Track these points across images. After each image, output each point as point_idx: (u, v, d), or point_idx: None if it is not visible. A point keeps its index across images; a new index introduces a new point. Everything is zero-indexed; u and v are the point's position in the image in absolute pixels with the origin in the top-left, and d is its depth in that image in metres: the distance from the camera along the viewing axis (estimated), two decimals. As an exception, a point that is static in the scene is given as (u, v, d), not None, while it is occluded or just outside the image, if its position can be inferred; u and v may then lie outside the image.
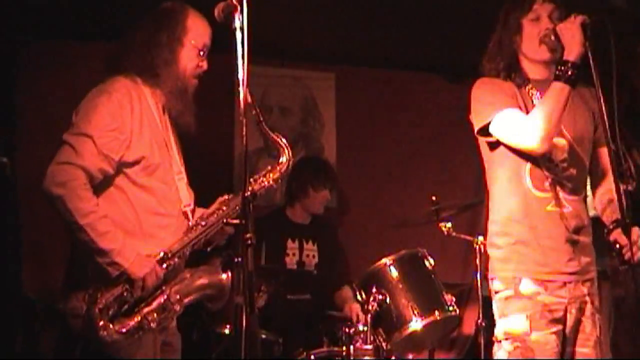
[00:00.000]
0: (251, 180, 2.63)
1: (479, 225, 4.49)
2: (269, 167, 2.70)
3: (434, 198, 3.74)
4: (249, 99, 2.14)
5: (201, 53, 2.66)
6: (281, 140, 2.65)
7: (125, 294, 2.47)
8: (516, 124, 2.47)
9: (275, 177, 2.68)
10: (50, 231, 3.44)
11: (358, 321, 3.40)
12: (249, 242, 2.06)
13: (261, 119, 2.45)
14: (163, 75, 2.62)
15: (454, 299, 3.28)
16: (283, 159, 2.68)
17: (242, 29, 2.11)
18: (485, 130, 2.55)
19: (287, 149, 2.66)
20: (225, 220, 2.62)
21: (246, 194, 2.11)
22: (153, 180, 2.60)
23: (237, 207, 2.59)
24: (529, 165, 2.52)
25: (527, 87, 2.56)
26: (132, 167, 2.57)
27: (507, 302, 2.53)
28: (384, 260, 3.29)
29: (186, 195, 2.67)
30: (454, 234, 3.66)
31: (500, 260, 2.57)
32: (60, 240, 2.64)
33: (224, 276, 2.60)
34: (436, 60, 4.53)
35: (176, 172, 2.65)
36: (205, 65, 2.69)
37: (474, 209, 4.15)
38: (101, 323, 2.43)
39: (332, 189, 4.09)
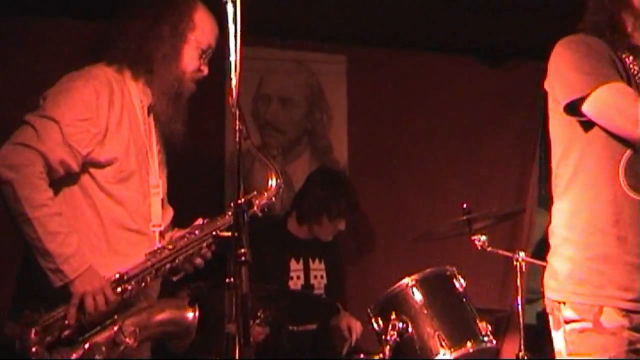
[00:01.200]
0: (224, 216, 2.65)
1: (520, 239, 4.55)
2: (255, 193, 2.71)
3: (465, 206, 3.73)
4: (237, 116, 2.14)
5: (204, 55, 2.69)
6: (270, 162, 2.68)
7: (67, 316, 2.47)
8: (628, 103, 2.23)
9: (262, 204, 2.69)
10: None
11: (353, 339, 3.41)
12: (243, 258, 2.06)
13: (247, 135, 2.45)
14: (159, 72, 2.64)
15: (489, 328, 3.27)
16: (272, 183, 2.69)
17: (234, 2, 2.11)
18: (571, 106, 2.31)
19: (277, 173, 2.69)
20: (214, 233, 2.61)
21: (240, 201, 2.11)
22: (125, 189, 2.61)
23: (214, 232, 2.61)
24: (627, 157, 2.28)
25: (624, 56, 2.34)
26: (102, 169, 2.58)
27: (583, 336, 2.30)
28: (405, 281, 3.29)
29: (157, 213, 2.69)
30: (489, 249, 3.64)
31: (572, 279, 2.32)
32: (10, 243, 2.61)
33: (190, 314, 2.59)
34: (470, 40, 4.49)
35: (153, 184, 2.68)
36: (206, 70, 2.71)
37: (513, 220, 4.15)
38: (34, 349, 2.42)
39: (349, 217, 4.07)
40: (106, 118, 2.55)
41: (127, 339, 2.51)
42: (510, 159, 4.76)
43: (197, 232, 2.66)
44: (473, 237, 3.66)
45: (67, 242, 2.45)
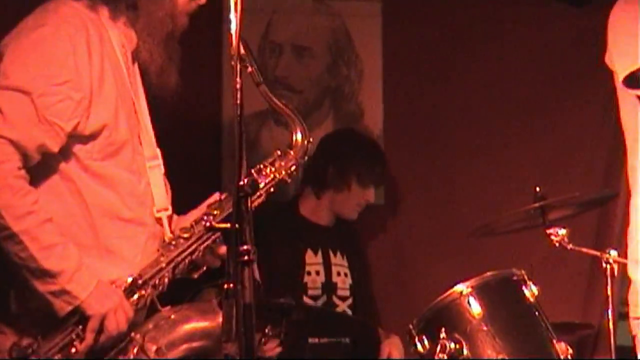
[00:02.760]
0: (252, 171, 2.69)
1: (611, 234, 4.51)
2: (278, 152, 2.75)
3: (538, 189, 3.69)
4: (242, 50, 2.18)
5: None
6: (292, 111, 2.72)
7: (75, 342, 2.49)
8: None
9: (289, 166, 2.74)
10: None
11: None
12: (246, 257, 2.07)
13: (260, 79, 2.45)
14: (145, 8, 2.65)
15: (570, 350, 3.25)
16: (297, 137, 2.75)
17: None
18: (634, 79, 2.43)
19: (303, 125, 2.75)
20: (209, 224, 2.61)
21: (241, 182, 2.12)
22: (114, 166, 2.62)
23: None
24: None
25: None
26: (86, 143, 2.57)
27: None
28: (458, 288, 3.27)
29: (161, 194, 2.74)
30: (570, 246, 3.60)
31: None
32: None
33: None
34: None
35: (149, 156, 2.71)
36: None
37: (602, 208, 4.10)
38: None
39: (379, 187, 4.25)
40: (89, 76, 2.54)
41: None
42: (597, 130, 4.73)
43: (216, 212, 2.68)
44: (548, 231, 3.61)
45: (67, 255, 2.49)
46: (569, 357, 3.24)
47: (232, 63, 2.16)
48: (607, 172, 4.70)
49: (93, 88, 2.55)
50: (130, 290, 2.57)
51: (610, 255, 3.52)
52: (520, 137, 4.71)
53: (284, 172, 2.74)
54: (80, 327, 2.50)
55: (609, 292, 3.49)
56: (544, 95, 4.73)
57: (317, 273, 4.08)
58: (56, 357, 2.48)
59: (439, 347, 3.18)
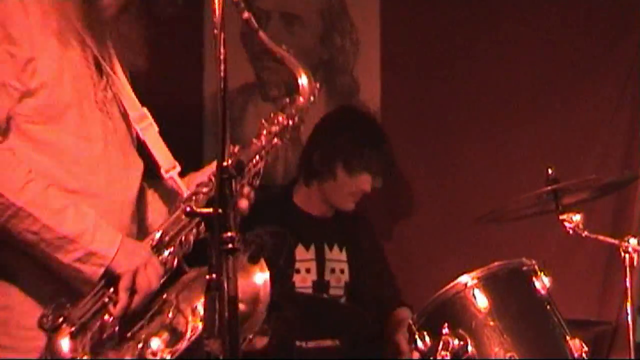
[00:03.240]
0: (263, 121, 2.80)
1: (630, 220, 4.52)
2: (287, 100, 2.84)
3: (550, 171, 3.70)
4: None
5: None
6: (294, 57, 2.78)
7: (109, 305, 2.52)
8: None
9: (301, 111, 2.81)
10: None
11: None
12: (231, 246, 2.08)
13: (255, 25, 2.53)
14: None
15: (585, 348, 3.26)
16: (303, 81, 2.82)
17: None
18: None
19: (305, 67, 2.80)
20: (188, 209, 2.60)
21: (225, 163, 2.13)
22: (58, 131, 2.62)
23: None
24: None
25: None
26: (25, 104, 2.58)
27: None
28: (463, 280, 3.28)
29: (164, 153, 2.78)
30: (585, 233, 3.62)
31: None
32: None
33: (258, 276, 2.62)
34: None
35: (136, 118, 2.77)
36: None
37: (621, 192, 4.10)
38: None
39: (378, 173, 4.11)
40: (27, 30, 2.56)
41: (191, 322, 2.57)
42: (614, 110, 4.75)
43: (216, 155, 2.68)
44: (562, 217, 3.64)
45: (82, 214, 2.53)
46: (584, 355, 3.25)
47: (215, 31, 2.16)
48: (626, 154, 4.71)
49: (34, 44, 2.58)
50: (157, 248, 2.60)
51: (629, 243, 3.52)
52: (531, 116, 4.72)
53: (297, 118, 2.80)
54: (112, 289, 2.53)
55: (628, 284, 3.50)
56: (557, 74, 4.74)
57: (308, 271, 4.07)
58: (90, 324, 2.50)
59: (441, 344, 3.19)
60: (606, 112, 4.73)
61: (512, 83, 4.72)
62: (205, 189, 2.69)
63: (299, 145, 4.34)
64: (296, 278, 4.04)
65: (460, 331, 3.21)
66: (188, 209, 2.62)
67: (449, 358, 3.18)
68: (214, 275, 2.10)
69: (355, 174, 4.04)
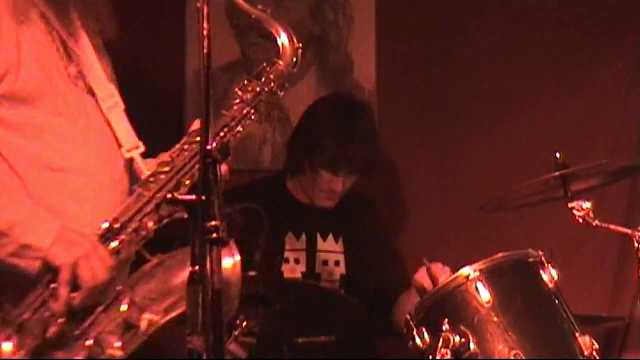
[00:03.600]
0: (236, 89, 2.80)
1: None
2: (264, 64, 2.82)
3: (558, 156, 3.70)
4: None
5: None
6: (272, 17, 2.80)
7: (51, 302, 2.51)
8: None
9: (279, 77, 2.80)
10: None
11: None
12: (216, 235, 2.08)
13: None
14: None
15: (595, 345, 3.26)
16: (283, 41, 2.82)
17: None
18: None
19: (286, 26, 2.81)
20: (169, 196, 2.61)
21: (209, 146, 2.12)
22: (34, 111, 2.64)
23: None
24: None
25: None
26: None
27: None
28: (464, 272, 3.28)
29: (128, 132, 2.82)
30: (596, 222, 3.62)
31: None
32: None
33: (229, 260, 2.60)
34: None
35: (103, 96, 2.79)
36: None
37: (634, 178, 4.10)
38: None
39: (350, 172, 4.05)
40: None
41: (146, 314, 2.55)
42: (627, 91, 4.76)
43: (197, 139, 2.68)
44: (571, 205, 3.64)
45: (14, 206, 2.53)
46: (595, 353, 3.25)
47: (198, 5, 2.16)
48: (640, 138, 4.73)
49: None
50: (106, 237, 2.58)
51: (643, 234, 3.55)
52: (538, 98, 4.72)
53: (273, 84, 2.78)
54: (55, 284, 2.51)
55: (642, 279, 3.54)
56: (565, 53, 4.75)
57: (297, 261, 4.08)
58: (31, 321, 2.49)
59: (441, 342, 3.18)
60: (618, 92, 4.74)
61: (518, 64, 4.74)
62: (166, 169, 2.68)
63: (289, 128, 4.34)
64: (284, 268, 4.05)
65: (462, 327, 3.20)
66: (169, 196, 2.63)
67: (449, 357, 3.18)
68: (197, 267, 2.10)
69: (319, 172, 4.02)
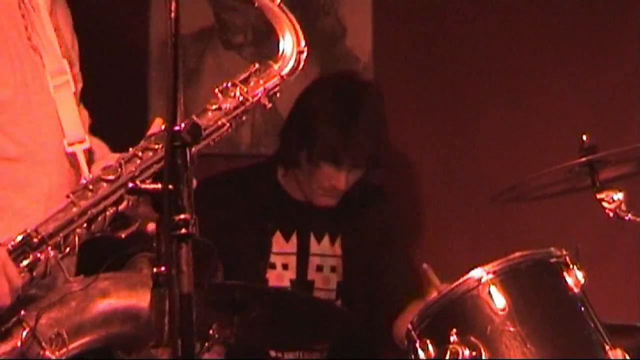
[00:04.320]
0: (216, 91, 2.72)
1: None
2: (256, 65, 2.77)
3: (585, 138, 3.70)
4: None
5: None
6: (278, 8, 2.76)
7: None
8: None
9: (270, 86, 2.75)
10: None
11: None
12: (184, 231, 2.08)
13: None
14: None
15: (628, 358, 3.26)
16: (286, 43, 2.78)
17: None
18: None
19: (294, 21, 2.80)
20: (131, 185, 2.61)
21: (177, 126, 2.12)
22: None
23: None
24: None
25: None
26: None
27: None
28: (476, 274, 3.28)
29: (74, 120, 2.79)
30: (629, 216, 3.63)
31: None
32: None
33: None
34: None
35: (53, 70, 2.77)
36: None
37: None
38: None
39: (354, 166, 4.05)
40: None
41: (47, 350, 2.53)
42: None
43: (157, 146, 2.67)
44: (599, 196, 3.65)
45: None
46: (627, 367, 3.29)
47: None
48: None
49: None
50: (19, 252, 2.55)
51: (685, 229, 3.57)
52: (559, 72, 4.76)
53: (260, 94, 2.73)
54: None
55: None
56: (592, 24, 4.79)
57: (285, 267, 4.10)
58: None
59: (448, 355, 3.19)
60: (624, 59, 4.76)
61: (535, 34, 4.78)
62: (110, 176, 2.64)
63: (277, 112, 4.32)
64: (270, 275, 4.07)
65: (472, 339, 3.21)
66: (131, 184, 2.63)
67: (458, 370, 3.22)
68: (162, 268, 2.10)
69: (318, 166, 4.01)
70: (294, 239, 4.10)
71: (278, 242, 4.08)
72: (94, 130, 2.90)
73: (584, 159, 3.67)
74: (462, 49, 4.71)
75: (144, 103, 4.33)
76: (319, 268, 4.12)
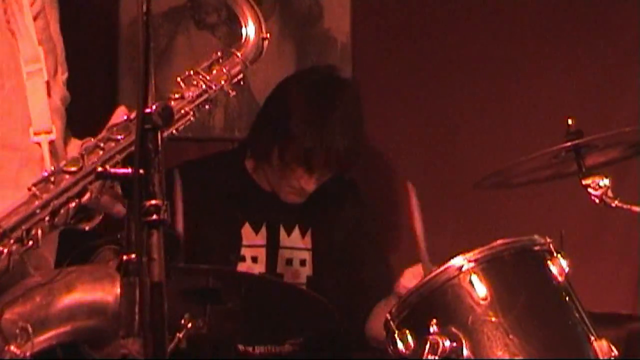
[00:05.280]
0: (179, 80, 2.72)
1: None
2: (218, 54, 2.79)
3: (570, 122, 3.72)
4: None
5: None
6: None
7: None
8: None
9: (232, 74, 2.76)
10: None
11: None
12: (155, 217, 2.09)
13: None
14: None
15: (614, 351, 3.28)
16: (249, 30, 2.80)
17: None
18: None
19: (255, 8, 2.79)
20: (100, 169, 2.61)
21: (149, 108, 2.13)
22: None
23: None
24: None
25: None
26: None
27: None
28: (456, 262, 3.29)
29: (43, 110, 2.79)
30: (615, 203, 3.64)
31: None
32: None
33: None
34: None
35: (27, 57, 2.79)
36: None
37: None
38: None
39: (326, 168, 4.05)
40: None
41: (12, 345, 2.52)
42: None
43: (119, 136, 2.66)
44: (585, 182, 3.66)
45: None
46: (612, 357, 3.27)
47: None
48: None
49: None
50: None
51: (673, 217, 3.58)
52: (544, 55, 4.78)
53: (223, 81, 2.73)
54: None
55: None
56: (574, 5, 4.80)
57: (255, 260, 4.10)
58: None
59: (427, 346, 3.20)
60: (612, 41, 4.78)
61: (523, 15, 4.79)
62: (72, 168, 2.62)
63: (244, 89, 4.33)
64: (240, 268, 4.05)
65: (453, 329, 3.22)
66: (100, 169, 2.63)
67: (437, 365, 3.22)
68: (132, 256, 2.10)
69: (290, 166, 4.02)
70: (263, 231, 4.11)
71: (247, 234, 4.09)
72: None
73: (569, 143, 3.67)
74: (444, 30, 4.72)
75: (114, 85, 4.32)
76: (288, 262, 4.13)
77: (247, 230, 4.10)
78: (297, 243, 4.16)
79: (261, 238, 4.12)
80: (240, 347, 3.95)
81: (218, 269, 3.59)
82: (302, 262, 4.16)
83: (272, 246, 4.12)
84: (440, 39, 4.71)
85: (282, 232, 4.14)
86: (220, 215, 4.06)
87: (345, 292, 4.14)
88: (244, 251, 4.09)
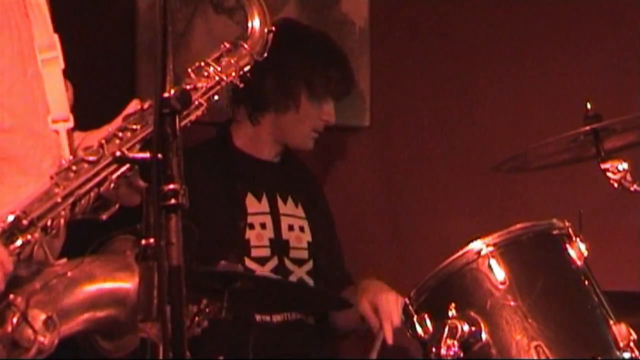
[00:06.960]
0: (189, 71, 2.72)
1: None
2: (227, 45, 2.79)
3: (589, 106, 3.70)
4: None
5: None
6: None
7: None
8: None
9: (241, 65, 2.77)
10: None
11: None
12: (173, 201, 2.09)
13: None
14: None
15: (634, 335, 3.27)
16: (254, 24, 2.80)
17: None
18: None
19: (262, 7, 2.79)
20: (119, 153, 2.61)
21: (167, 93, 2.13)
22: None
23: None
24: None
25: None
26: None
27: None
28: (475, 247, 3.30)
29: (60, 99, 2.78)
30: (634, 187, 3.62)
31: None
32: None
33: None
34: None
35: (42, 45, 2.78)
36: None
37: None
38: None
39: (340, 98, 4.20)
40: None
41: (40, 335, 2.52)
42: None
43: (135, 126, 2.68)
44: (604, 166, 3.64)
45: None
46: (632, 344, 3.26)
47: None
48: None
49: None
50: (9, 234, 2.54)
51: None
52: (564, 39, 4.76)
53: (233, 73, 2.75)
54: None
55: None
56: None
57: (263, 226, 4.13)
58: None
59: (446, 330, 3.20)
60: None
61: (541, 1, 4.76)
62: (92, 158, 2.64)
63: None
64: (250, 235, 4.09)
65: (472, 313, 3.23)
66: (118, 153, 2.64)
67: (456, 349, 3.19)
68: (151, 240, 2.10)
69: (321, 100, 4.14)
70: (264, 199, 4.16)
71: (251, 203, 4.14)
72: (81, 97, 2.88)
73: (587, 127, 3.66)
74: (462, 14, 4.70)
75: (132, 69, 4.32)
76: (290, 227, 4.18)
77: (250, 199, 4.15)
78: (292, 210, 4.22)
79: (264, 206, 4.17)
80: (258, 317, 3.97)
81: (230, 271, 3.62)
82: (301, 228, 4.21)
83: (274, 213, 4.17)
84: (458, 23, 4.70)
85: (280, 201, 4.20)
86: (223, 190, 4.12)
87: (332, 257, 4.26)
88: (251, 219, 4.13)
